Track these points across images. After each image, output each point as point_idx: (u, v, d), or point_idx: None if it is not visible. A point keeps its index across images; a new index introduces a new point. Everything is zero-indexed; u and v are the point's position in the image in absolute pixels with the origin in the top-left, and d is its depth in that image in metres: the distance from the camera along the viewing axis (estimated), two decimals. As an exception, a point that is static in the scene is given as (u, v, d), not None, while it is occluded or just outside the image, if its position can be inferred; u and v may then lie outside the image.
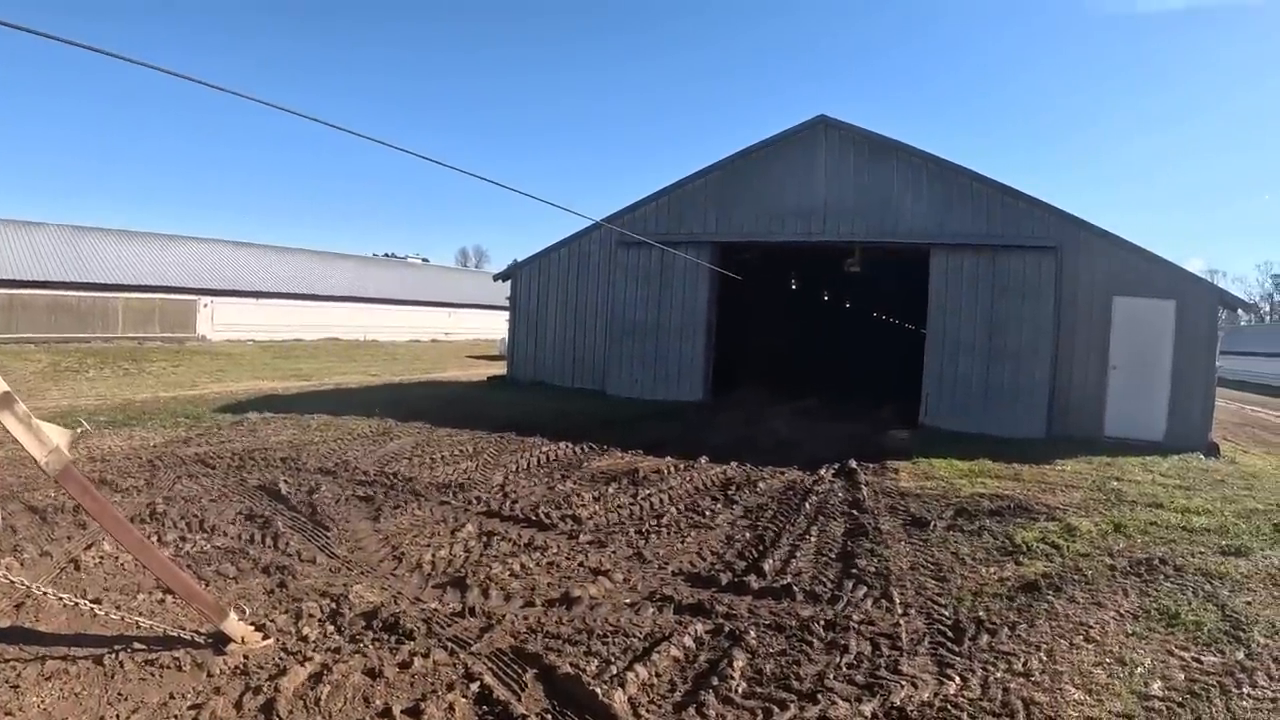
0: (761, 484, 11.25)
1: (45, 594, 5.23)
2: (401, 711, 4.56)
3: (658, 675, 5.09)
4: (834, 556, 8.01)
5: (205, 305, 43.47)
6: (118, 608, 5.53)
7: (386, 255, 79.32)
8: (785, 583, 6.94)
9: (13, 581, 5.17)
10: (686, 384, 22.35)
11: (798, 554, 7.96)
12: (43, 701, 4.60)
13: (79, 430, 5.25)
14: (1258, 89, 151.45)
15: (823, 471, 12.28)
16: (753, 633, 5.75)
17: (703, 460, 12.68)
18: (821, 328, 37.69)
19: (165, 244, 47.31)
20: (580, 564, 7.44)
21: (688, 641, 5.57)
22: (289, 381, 26.47)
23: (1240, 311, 22.93)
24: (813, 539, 8.58)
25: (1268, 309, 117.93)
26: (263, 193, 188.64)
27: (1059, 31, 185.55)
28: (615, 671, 5.06)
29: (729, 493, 10.68)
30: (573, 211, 23.75)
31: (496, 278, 26.87)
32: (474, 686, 4.86)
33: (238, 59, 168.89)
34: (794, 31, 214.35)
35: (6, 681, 4.79)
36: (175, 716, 4.49)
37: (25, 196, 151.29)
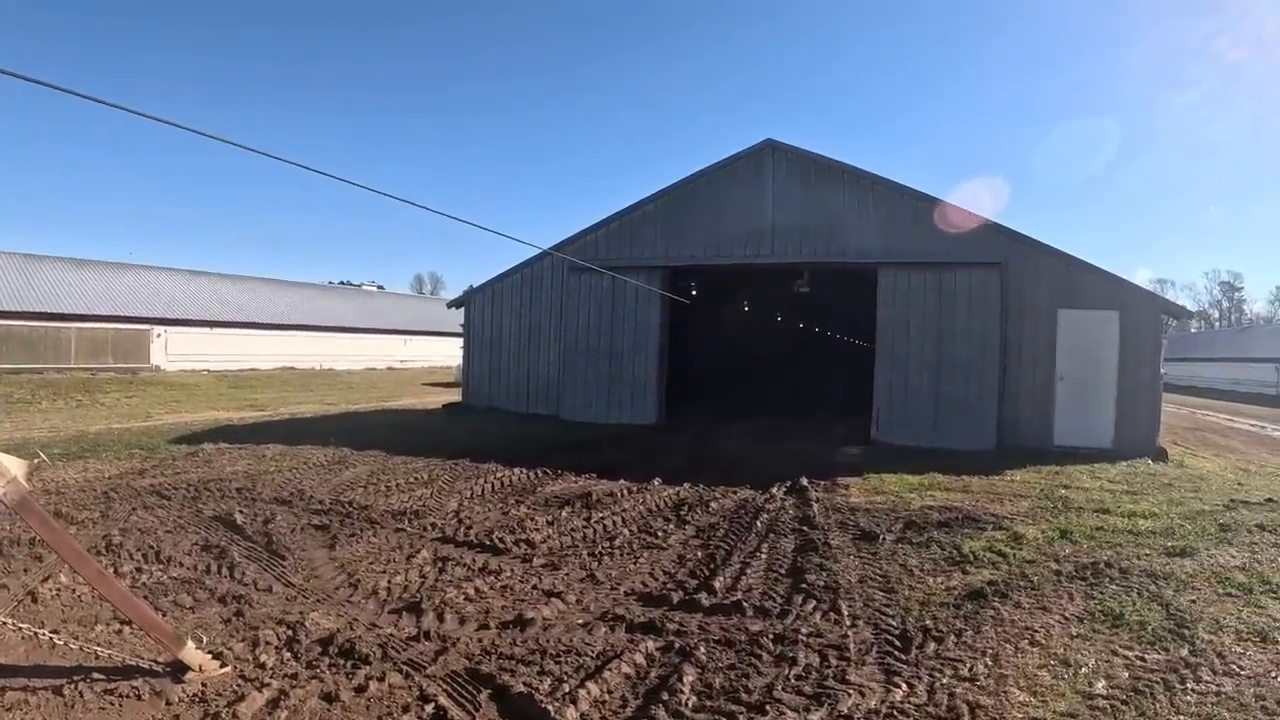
0: (714, 504, 11.39)
1: (4, 624, 5.24)
2: (358, 734, 4.60)
3: (609, 692, 5.20)
4: (784, 572, 8.14)
5: (159, 335, 42.82)
6: (76, 638, 5.53)
7: (342, 283, 78.75)
8: (735, 599, 7.07)
9: (-31, 614, 5.16)
10: (640, 407, 22.54)
11: (748, 571, 8.10)
12: None
13: (35, 461, 5.29)
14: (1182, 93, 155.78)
15: (774, 490, 12.45)
16: (703, 648, 5.87)
17: (656, 482, 12.81)
18: (773, 348, 38.15)
19: (118, 272, 46.59)
20: (534, 587, 7.53)
21: (639, 659, 5.68)
22: (244, 411, 26.21)
23: (1189, 320, 23.64)
24: (763, 556, 8.72)
25: (1216, 315, 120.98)
26: (216, 222, 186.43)
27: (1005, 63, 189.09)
28: (568, 689, 5.16)
29: (681, 513, 10.81)
30: (522, 241, 24.01)
31: (451, 304, 26.90)
32: (429, 708, 4.94)
33: (183, 87, 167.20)
34: (740, 51, 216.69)
35: None
36: (133, 744, 4.49)
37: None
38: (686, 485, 12.66)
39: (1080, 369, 18.22)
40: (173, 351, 42.98)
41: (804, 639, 6.15)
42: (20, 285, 39.83)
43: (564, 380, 23.70)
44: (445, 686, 5.27)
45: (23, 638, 5.56)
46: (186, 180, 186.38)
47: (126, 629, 6.13)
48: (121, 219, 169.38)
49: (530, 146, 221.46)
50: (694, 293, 24.44)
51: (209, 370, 42.23)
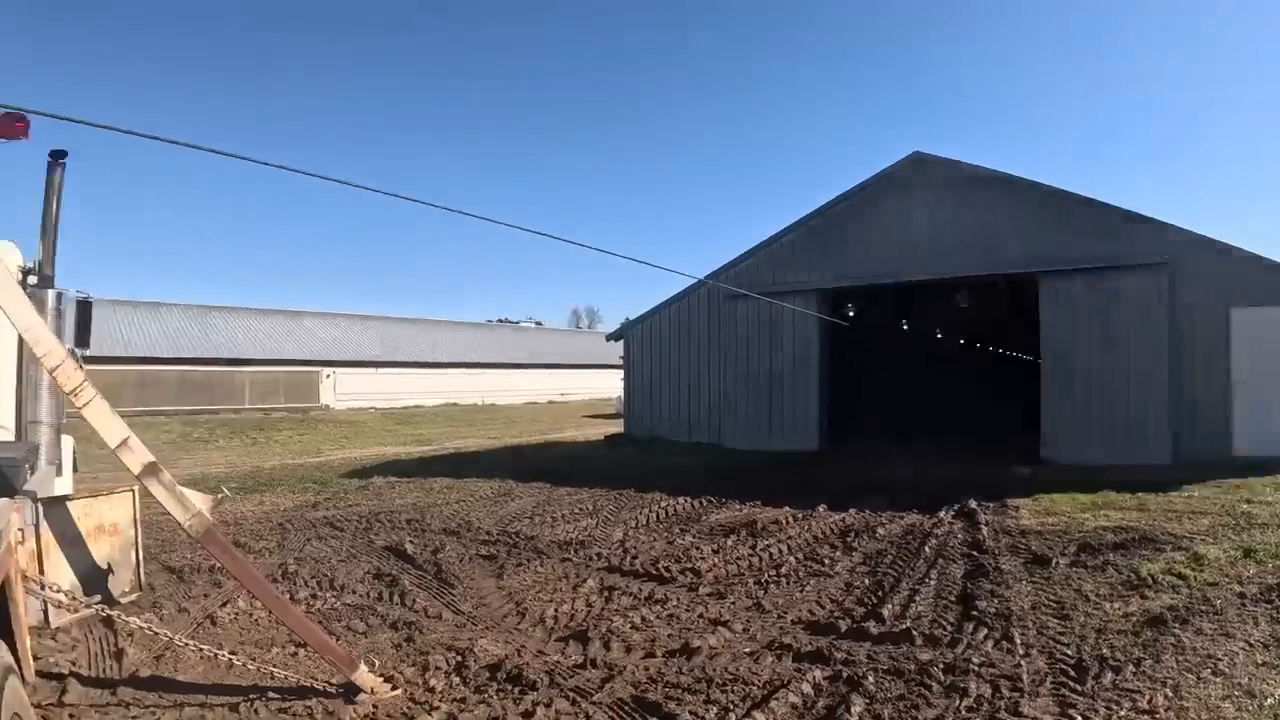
0: (880, 529, 11.17)
1: (186, 644, 5.65)
2: (524, 759, 4.72)
3: None
4: (954, 599, 7.94)
5: (328, 376, 45.69)
6: (253, 659, 5.92)
7: (501, 320, 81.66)
8: (904, 627, 6.92)
9: (156, 633, 5.59)
10: (801, 433, 22.51)
11: (917, 598, 7.94)
12: None
13: (219, 496, 5.76)
14: None
15: (942, 514, 12.12)
16: (871, 678, 5.73)
17: (821, 508, 12.69)
18: (933, 367, 36.90)
19: (288, 319, 50.43)
20: (700, 615, 7.58)
21: (806, 688, 5.61)
22: (411, 447, 27.49)
23: None
24: (932, 582, 8.52)
25: None
26: (378, 266, 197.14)
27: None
28: (734, 718, 5.16)
29: (848, 540, 10.69)
30: (677, 271, 24.41)
31: (609, 338, 27.61)
32: None
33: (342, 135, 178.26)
34: (891, 68, 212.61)
35: None
36: (306, 761, 4.75)
37: (152, 279, 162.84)
38: (852, 511, 12.47)
39: (1259, 372, 16.86)
40: (341, 391, 45.68)
41: (975, 668, 5.91)
42: (197, 334, 44.00)
43: (724, 408, 23.97)
44: (611, 714, 5.34)
45: (202, 657, 6.03)
46: (346, 227, 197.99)
47: (301, 652, 6.52)
48: (287, 267, 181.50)
49: (680, 175, 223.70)
50: (850, 315, 24.10)
51: (375, 408, 44.57)
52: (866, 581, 8.72)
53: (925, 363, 36.01)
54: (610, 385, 51.03)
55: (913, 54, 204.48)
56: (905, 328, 33.00)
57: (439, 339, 57.36)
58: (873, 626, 6.97)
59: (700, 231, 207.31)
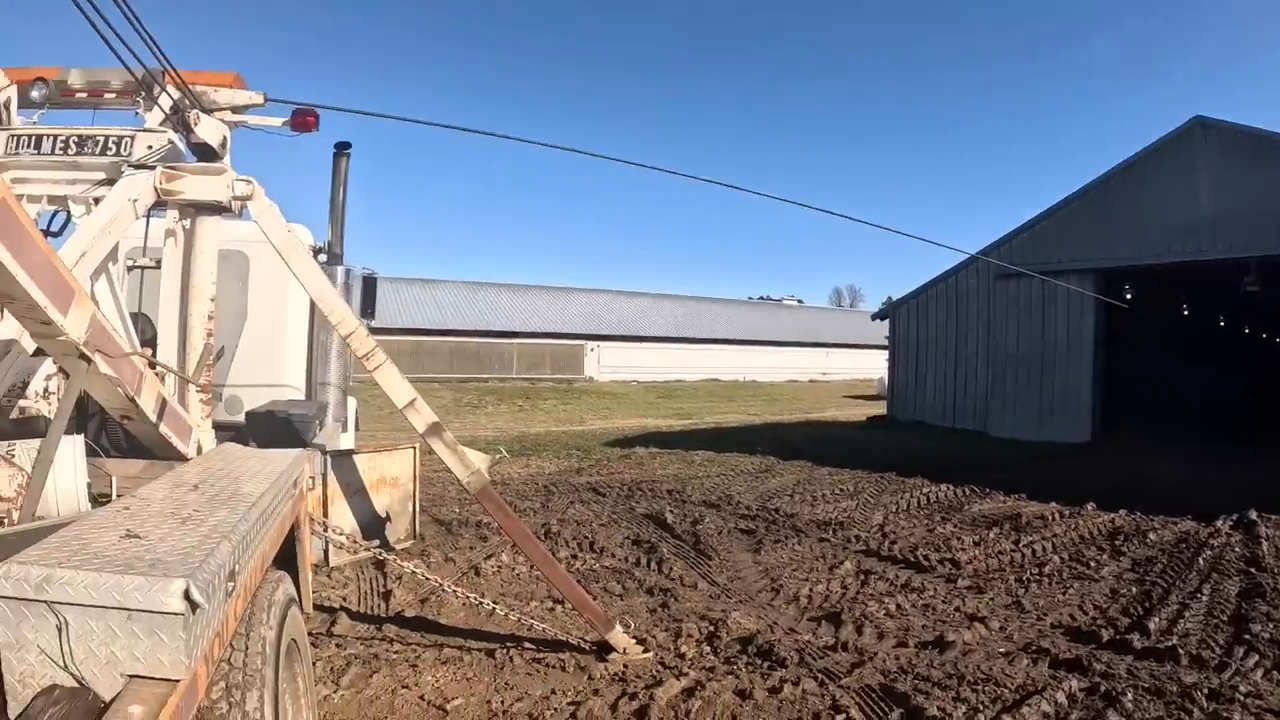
0: (1151, 534, 10.21)
1: (453, 591, 6.03)
2: (767, 733, 4.72)
3: None
4: (1225, 619, 7.14)
5: (592, 349, 47.57)
6: (512, 610, 6.23)
7: (762, 298, 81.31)
8: (1170, 644, 6.26)
9: (425, 578, 5.97)
10: (1072, 423, 21.14)
11: (1186, 614, 7.18)
12: (437, 681, 5.39)
13: (497, 456, 6.08)
14: None
15: (1219, 522, 10.83)
16: (1130, 695, 5.23)
17: (1089, 507, 11.79)
18: (1217, 358, 32.86)
19: (554, 295, 53.10)
20: (956, 608, 7.33)
21: (1060, 698, 5.23)
22: (671, 420, 28.13)
23: None
24: (1204, 598, 7.66)
25: None
26: (643, 242, 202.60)
27: None
28: None
29: (1116, 543, 9.90)
30: (946, 246, 23.45)
31: (874, 317, 27.10)
32: (839, 718, 4.92)
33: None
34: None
35: (407, 661, 5.70)
36: (555, 710, 4.99)
37: (429, 257, 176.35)
38: (1122, 512, 11.45)
39: None
40: (604, 363, 47.42)
41: (1241, 698, 5.24)
42: (467, 308, 47.30)
43: (991, 394, 22.99)
44: (858, 699, 5.21)
45: (464, 604, 6.45)
46: (611, 205, 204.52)
47: (559, 607, 6.83)
48: (555, 246, 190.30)
49: (946, 148, 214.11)
50: (1129, 297, 22.08)
51: (637, 381, 45.83)
52: (1133, 590, 8.06)
53: (1207, 353, 32.46)
54: (872, 365, 49.92)
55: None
56: (1185, 313, 29.91)
57: (701, 315, 58.09)
58: (1136, 640, 6.41)
59: (969, 212, 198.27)
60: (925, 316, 24.81)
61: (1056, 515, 11.31)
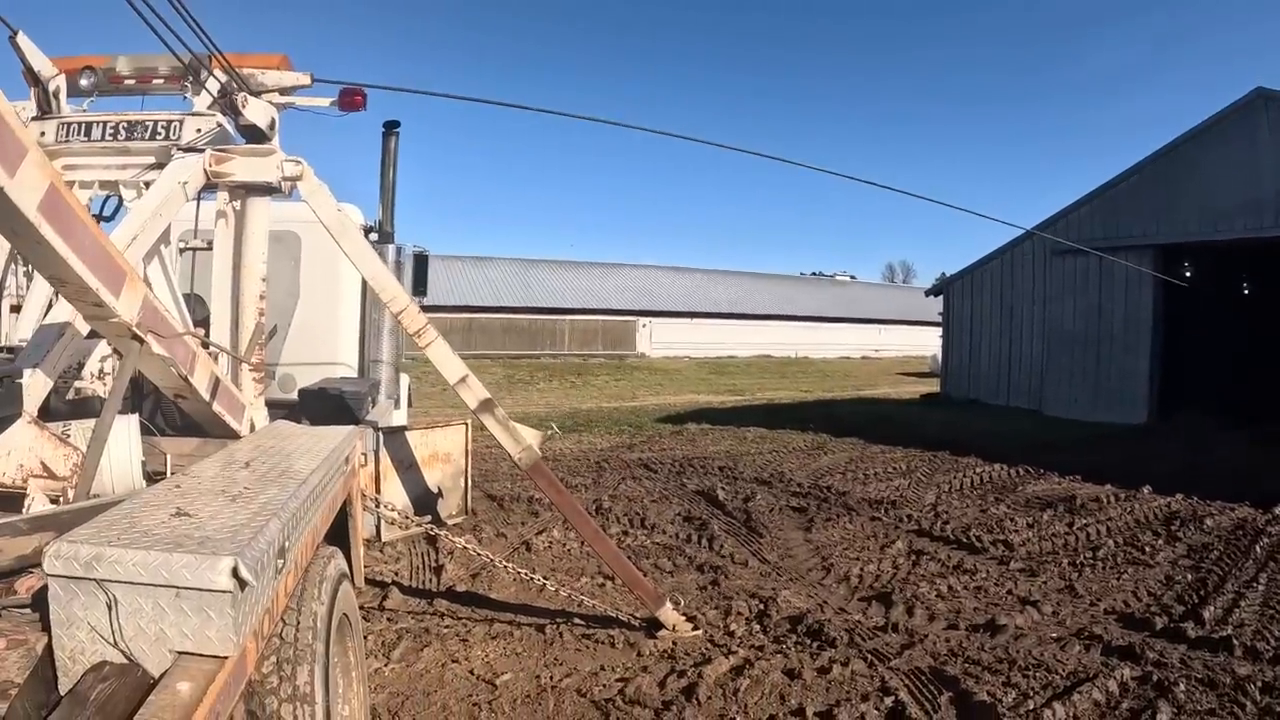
0: (1208, 520, 9.91)
1: (504, 566, 6.10)
2: (814, 713, 4.73)
3: (1075, 717, 4.80)
4: None
5: (644, 325, 47.52)
6: (563, 585, 6.29)
7: (814, 274, 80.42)
8: (1225, 634, 6.08)
9: (477, 553, 6.04)
10: (1128, 403, 20.64)
11: (1242, 603, 6.95)
12: (486, 656, 5.48)
13: (549, 433, 6.13)
14: None
15: (1278, 510, 10.48)
16: (1182, 685, 5.12)
17: (1145, 490, 11.50)
18: (1278, 339, 31.66)
19: (605, 271, 52.91)
20: (1009, 591, 7.23)
21: (1112, 686, 5.14)
22: (723, 396, 28.06)
23: None
24: (1260, 587, 7.40)
25: None
26: (696, 218, 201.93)
27: None
28: (1033, 706, 4.85)
29: (1172, 528, 9.63)
30: (1001, 221, 22.84)
31: (928, 293, 26.75)
32: (888, 700, 4.90)
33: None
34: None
35: (458, 635, 5.80)
36: (604, 686, 5.05)
37: (480, 235, 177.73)
38: (1179, 496, 11.14)
39: None
40: (656, 340, 47.37)
41: None
42: (519, 285, 47.35)
43: (1046, 373, 22.55)
44: (907, 681, 5.18)
45: (515, 580, 6.52)
46: (663, 180, 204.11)
47: (609, 584, 6.88)
48: (606, 222, 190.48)
49: (999, 119, 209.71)
50: (1189, 275, 21.45)
51: (689, 357, 45.72)
52: (1189, 577, 7.84)
53: (1267, 334, 31.42)
54: (924, 342, 49.25)
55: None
56: (1245, 292, 28.98)
57: (752, 291, 57.68)
58: (1190, 629, 6.25)
59: (1024, 185, 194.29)
60: (980, 293, 24.45)
61: (1112, 498, 11.09)
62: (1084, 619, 6.59)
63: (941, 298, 26.26)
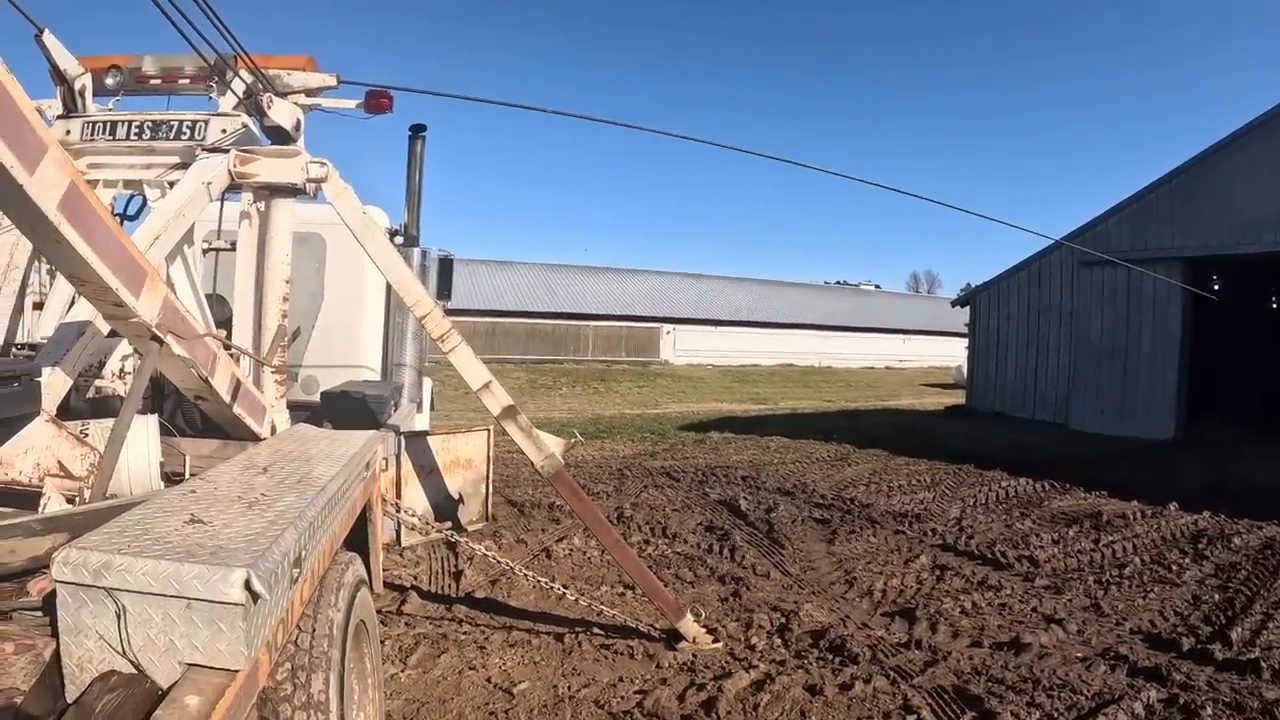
0: (1236, 539, 9.73)
1: (523, 574, 6.07)
2: (836, 731, 4.65)
3: None
4: None
5: (668, 332, 47.53)
6: (582, 594, 6.25)
7: (839, 283, 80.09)
8: (1253, 656, 5.96)
9: (496, 560, 6.00)
10: (1156, 418, 20.32)
11: (1270, 624, 6.82)
12: (504, 664, 5.42)
13: (572, 441, 6.13)
14: None
15: None
16: (1209, 709, 5.02)
17: (1172, 507, 11.34)
18: None
19: (629, 278, 53.03)
20: (1033, 609, 7.11)
21: (1138, 708, 5.03)
22: (746, 404, 27.95)
23: None
24: None
25: None
26: (720, 226, 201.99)
27: None
28: None
29: (1199, 546, 9.47)
30: (1029, 230, 22.82)
31: (954, 303, 26.62)
32: (910, 719, 4.82)
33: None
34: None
35: (475, 642, 5.75)
36: (622, 698, 4.99)
37: (504, 239, 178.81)
38: (1206, 514, 10.96)
39: None
40: (680, 347, 47.36)
41: None
42: (542, 290, 47.43)
43: (1073, 386, 22.33)
44: (930, 700, 5.10)
45: (534, 587, 6.42)
46: (687, 187, 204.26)
47: (629, 593, 6.80)
48: (629, 227, 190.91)
49: (1026, 128, 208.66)
50: (1217, 288, 21.12)
51: (713, 365, 45.68)
52: (1216, 597, 7.69)
53: None
54: (949, 353, 48.94)
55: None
56: (1276, 305, 28.58)
57: (777, 299, 57.53)
58: (1218, 650, 6.13)
59: (1050, 197, 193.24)
60: (1006, 304, 24.24)
61: (1138, 515, 10.93)
62: (1109, 638, 6.47)
63: (967, 308, 26.08)
